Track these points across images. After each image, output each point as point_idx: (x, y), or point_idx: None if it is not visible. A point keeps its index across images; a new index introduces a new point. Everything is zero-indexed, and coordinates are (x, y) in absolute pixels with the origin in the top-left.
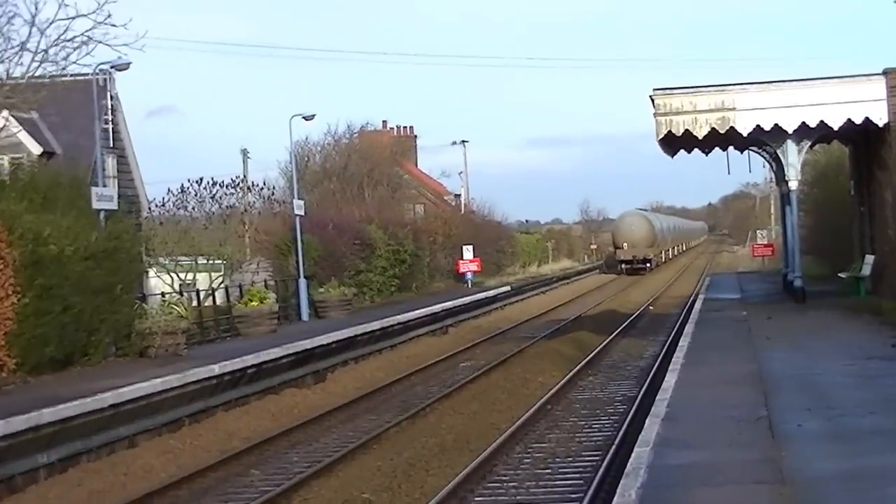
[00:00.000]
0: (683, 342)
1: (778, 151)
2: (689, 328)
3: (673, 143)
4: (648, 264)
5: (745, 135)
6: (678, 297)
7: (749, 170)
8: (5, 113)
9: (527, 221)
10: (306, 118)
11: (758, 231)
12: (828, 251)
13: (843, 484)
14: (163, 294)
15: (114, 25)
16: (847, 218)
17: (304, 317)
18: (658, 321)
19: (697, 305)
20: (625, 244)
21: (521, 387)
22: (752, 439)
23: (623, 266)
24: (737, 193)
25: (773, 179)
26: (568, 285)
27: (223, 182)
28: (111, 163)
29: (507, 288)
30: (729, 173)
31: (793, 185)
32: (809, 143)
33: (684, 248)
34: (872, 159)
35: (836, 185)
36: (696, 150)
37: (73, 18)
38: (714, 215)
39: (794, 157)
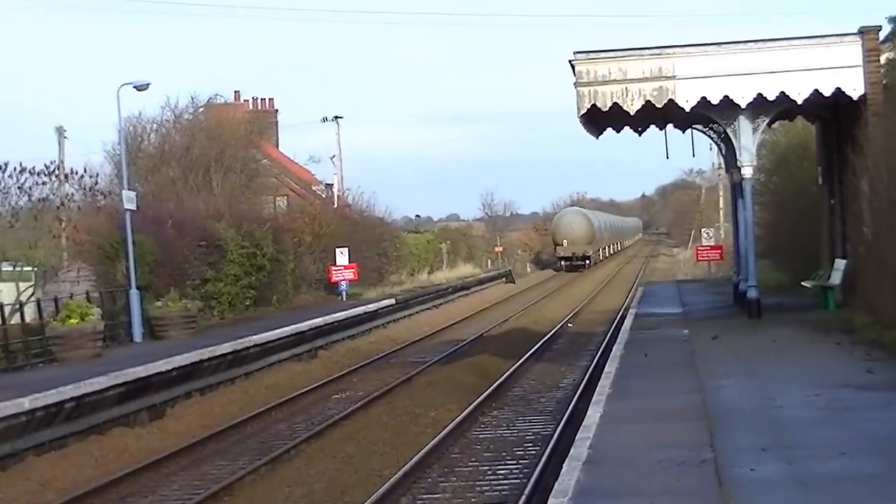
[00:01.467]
0: (610, 367)
1: (728, 130)
2: (617, 350)
3: (598, 120)
4: (587, 261)
5: (687, 110)
6: (604, 313)
7: (693, 153)
8: None
9: (417, 218)
10: (139, 88)
11: (703, 230)
12: (789, 254)
13: None
14: None
15: None
16: (813, 213)
17: (137, 337)
18: (579, 342)
19: (628, 322)
20: (564, 241)
21: (410, 424)
22: (696, 487)
23: (563, 263)
24: (677, 183)
25: (723, 165)
26: (467, 297)
27: (33, 168)
28: None
29: (392, 301)
30: (668, 158)
31: (746, 172)
32: (767, 121)
33: (619, 248)
34: (844, 140)
35: (799, 173)
36: (626, 128)
37: None
38: (649, 210)
39: (748, 137)
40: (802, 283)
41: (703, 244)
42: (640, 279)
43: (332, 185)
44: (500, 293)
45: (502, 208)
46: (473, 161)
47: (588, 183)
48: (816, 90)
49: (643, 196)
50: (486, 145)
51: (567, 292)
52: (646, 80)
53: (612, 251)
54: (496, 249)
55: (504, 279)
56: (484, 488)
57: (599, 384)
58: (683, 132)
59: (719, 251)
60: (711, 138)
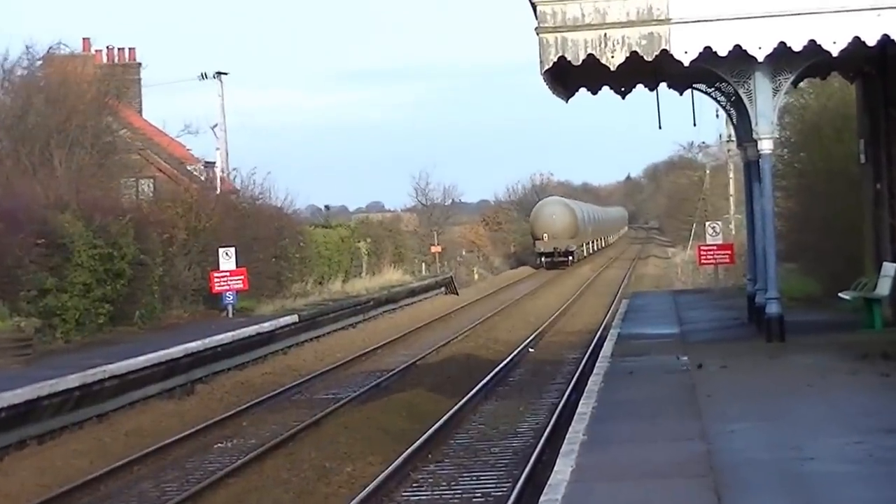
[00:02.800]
0: (585, 406)
1: (740, 92)
2: (593, 383)
3: (568, 78)
4: (570, 257)
5: (686, 64)
6: (575, 333)
7: (693, 122)
8: None
9: (328, 208)
10: None
11: (707, 223)
12: (822, 256)
13: None
14: None
15: None
16: (853, 201)
17: None
18: (544, 372)
19: (608, 346)
20: (545, 235)
21: (318, 482)
22: None
23: (543, 259)
24: (673, 161)
25: (733, 138)
26: (395, 313)
27: None
28: None
29: (294, 318)
30: (660, 128)
31: (765, 146)
32: (792, 78)
33: (603, 244)
34: (895, 104)
35: (835, 148)
36: (605, 88)
37: None
38: (635, 197)
39: (766, 100)
40: (839, 294)
41: (708, 243)
42: (624, 288)
43: (215, 163)
44: (438, 307)
45: (441, 195)
46: (402, 133)
47: (555, 161)
48: (857, 38)
49: (628, 179)
50: (418, 112)
51: (527, 306)
52: (631, 24)
53: (596, 247)
54: (433, 249)
55: (444, 289)
56: None
57: (571, 429)
58: (681, 94)
59: (729, 252)
60: (718, 102)
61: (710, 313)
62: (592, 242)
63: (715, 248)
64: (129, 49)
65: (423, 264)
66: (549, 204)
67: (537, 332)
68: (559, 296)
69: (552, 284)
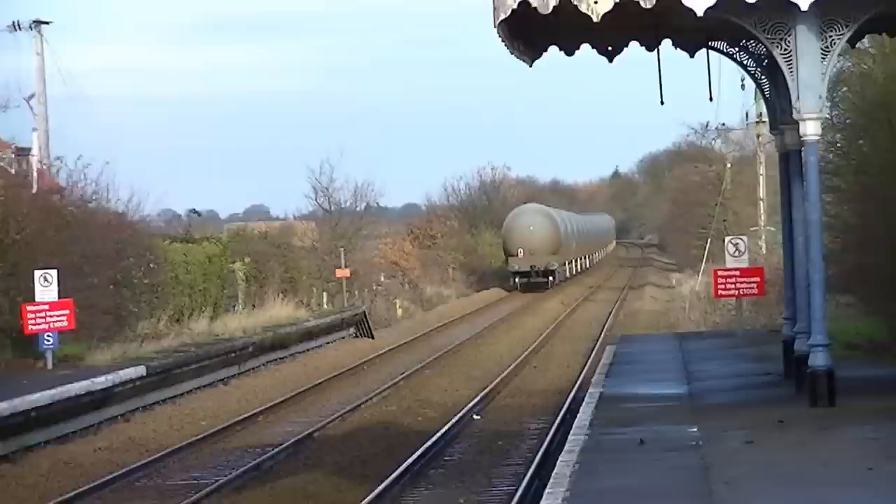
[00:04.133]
0: (552, 499)
1: (776, 53)
2: (566, 464)
3: (533, 33)
4: (551, 277)
5: (699, 13)
6: (540, 393)
7: (709, 96)
8: None
9: (192, 214)
10: None
11: (727, 239)
12: (890, 286)
13: None
14: None
15: None
16: None
17: None
18: (494, 449)
19: (585, 412)
20: (520, 251)
21: None
22: None
23: (517, 280)
24: (681, 151)
25: (765, 119)
26: (285, 364)
27: None
28: None
29: (141, 371)
30: (662, 103)
31: (810, 131)
32: (849, 34)
33: (588, 264)
34: None
35: None
36: (585, 47)
37: None
38: (625, 201)
39: (813, 66)
40: None
41: (728, 266)
42: (608, 330)
43: (30, 150)
44: (345, 356)
45: (350, 197)
46: (296, 111)
47: (513, 150)
48: None
49: (616, 175)
50: (319, 81)
51: (471, 354)
52: None
53: (580, 266)
54: (339, 274)
55: (354, 330)
56: None
57: None
58: (693, 55)
59: (758, 279)
60: (744, 67)
61: (730, 366)
62: (577, 260)
63: (738, 273)
64: None
65: (325, 294)
66: (525, 213)
67: (486, 391)
68: (517, 341)
69: (506, 325)
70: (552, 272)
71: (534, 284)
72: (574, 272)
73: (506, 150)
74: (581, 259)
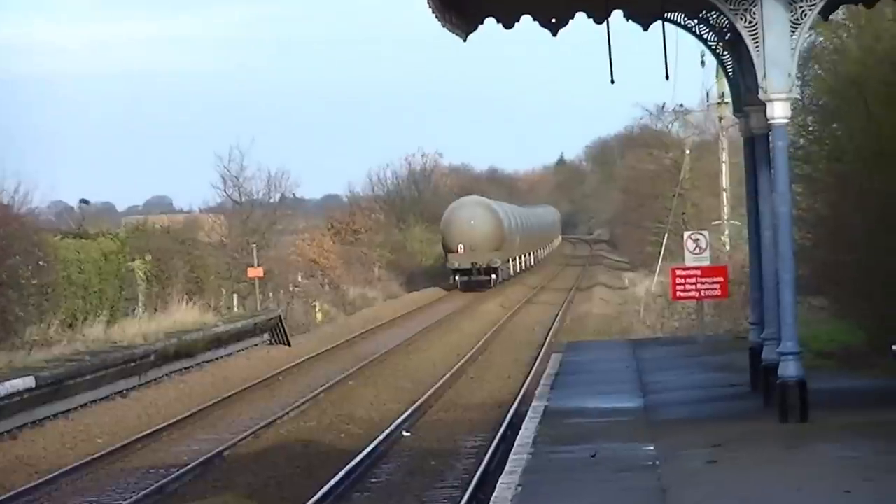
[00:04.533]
0: None
1: (740, 26)
2: (506, 487)
3: (466, 3)
4: (493, 275)
5: None
6: (478, 407)
7: (666, 73)
8: None
9: (83, 205)
10: None
11: (687, 235)
12: (866, 287)
13: None
14: None
15: None
16: None
17: None
18: (427, 469)
19: (528, 428)
20: (459, 246)
21: None
22: None
23: (458, 278)
24: (633, 136)
25: (727, 99)
26: (190, 374)
27: None
28: None
29: (29, 382)
30: (613, 82)
31: (778, 113)
32: (820, 5)
33: (533, 261)
34: None
35: (890, 116)
36: (526, 19)
37: None
38: (571, 192)
39: (781, 40)
40: (894, 345)
41: (688, 264)
42: (554, 336)
43: None
44: (259, 365)
45: (264, 187)
46: (198, 90)
47: (445, 136)
48: None
49: (561, 162)
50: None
51: (400, 363)
52: None
53: (524, 264)
54: (251, 273)
55: (269, 336)
56: None
57: None
58: (646, 28)
59: (721, 279)
60: (704, 42)
61: (690, 376)
62: (521, 257)
63: (698, 272)
64: None
65: (236, 297)
66: (465, 206)
67: (416, 404)
68: (451, 348)
69: (440, 330)
70: (495, 270)
71: (475, 283)
72: (518, 270)
73: (438, 136)
74: (525, 256)
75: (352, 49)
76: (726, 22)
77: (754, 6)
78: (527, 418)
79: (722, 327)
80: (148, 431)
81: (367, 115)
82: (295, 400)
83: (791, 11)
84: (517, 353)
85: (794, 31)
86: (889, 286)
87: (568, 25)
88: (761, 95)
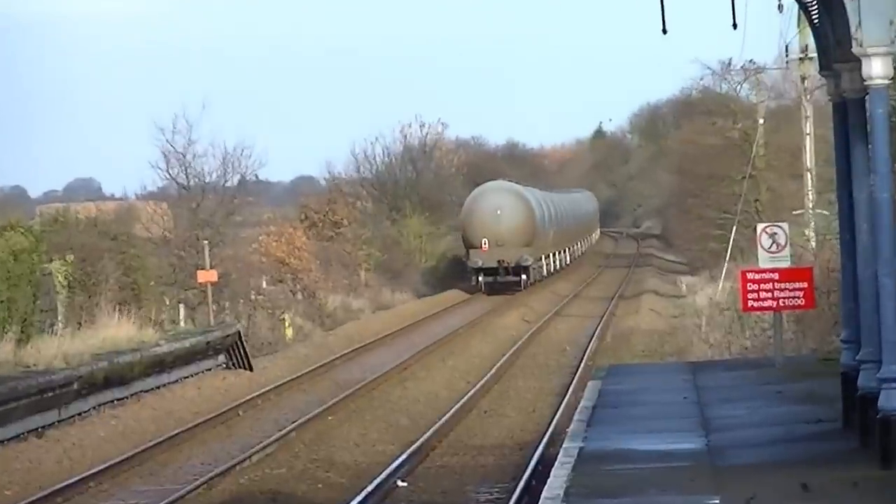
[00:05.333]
0: None
1: None
2: None
3: None
4: (524, 275)
5: None
6: (493, 450)
7: (733, 23)
8: None
9: None
10: None
11: (761, 228)
12: None
13: None
14: None
15: None
16: None
17: None
18: None
19: (558, 477)
20: (484, 241)
21: None
22: None
23: (481, 279)
24: (691, 101)
25: (812, 54)
26: (124, 406)
27: None
28: None
29: None
30: (665, 31)
31: (877, 72)
32: None
33: (568, 259)
34: None
35: None
36: None
37: None
38: (611, 173)
39: None
40: None
41: (762, 266)
42: (591, 357)
43: None
44: (213, 396)
45: (219, 167)
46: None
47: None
48: None
49: (598, 134)
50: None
51: (395, 393)
52: None
53: (560, 262)
54: (201, 277)
55: (224, 358)
56: None
57: None
58: None
59: (804, 285)
60: None
61: (766, 409)
62: (554, 254)
63: (776, 277)
64: None
65: (183, 307)
66: (490, 192)
67: (415, 446)
68: (460, 374)
69: (444, 350)
70: (525, 269)
71: (502, 285)
72: (552, 270)
73: (441, 102)
74: (560, 253)
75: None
76: None
77: None
78: (556, 464)
79: (806, 346)
80: (70, 481)
81: (351, 76)
82: (259, 440)
83: None
84: (544, 379)
85: None
86: None
87: None
88: (855, 49)
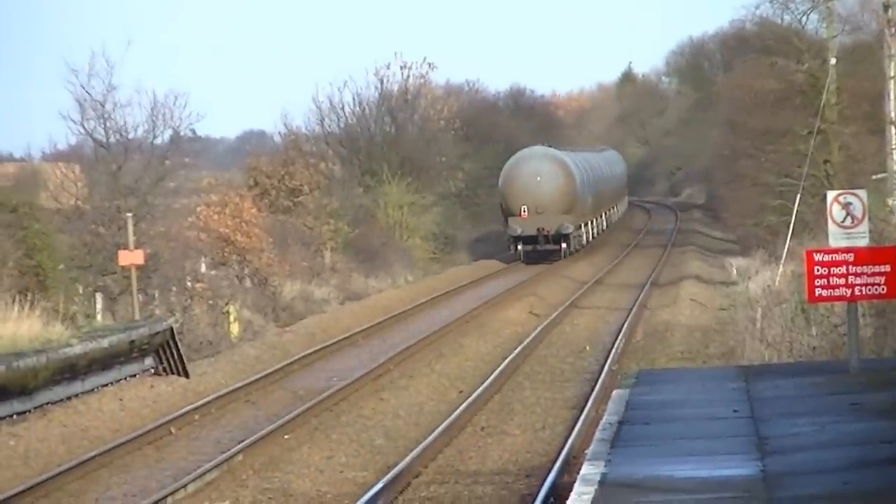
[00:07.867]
0: None
1: None
2: None
3: None
4: (564, 244)
5: None
6: (493, 476)
7: None
8: None
9: None
10: None
11: (832, 196)
12: None
13: None
14: None
15: None
16: None
17: None
18: None
19: None
20: (523, 209)
21: None
22: None
23: (520, 247)
24: (743, 36)
25: None
26: (25, 425)
27: None
28: None
29: None
30: None
31: None
32: None
33: (605, 226)
34: None
35: None
36: None
37: None
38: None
39: None
40: None
41: (833, 245)
42: (616, 359)
43: None
44: (137, 411)
45: (146, 120)
46: None
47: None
48: None
49: (628, 78)
50: None
51: (365, 404)
52: None
53: (598, 229)
54: (125, 260)
55: (153, 361)
56: None
57: None
58: None
59: (887, 268)
60: None
61: (838, 425)
62: (592, 221)
63: (851, 258)
64: None
65: (100, 297)
66: (530, 158)
67: (394, 473)
68: (450, 381)
69: (431, 351)
70: (566, 237)
71: (542, 253)
72: (591, 238)
73: (427, 39)
74: (597, 219)
75: None
76: None
77: None
78: (572, 496)
79: (888, 346)
80: None
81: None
82: (197, 465)
83: None
84: (557, 388)
85: None
86: None
87: None
88: None
